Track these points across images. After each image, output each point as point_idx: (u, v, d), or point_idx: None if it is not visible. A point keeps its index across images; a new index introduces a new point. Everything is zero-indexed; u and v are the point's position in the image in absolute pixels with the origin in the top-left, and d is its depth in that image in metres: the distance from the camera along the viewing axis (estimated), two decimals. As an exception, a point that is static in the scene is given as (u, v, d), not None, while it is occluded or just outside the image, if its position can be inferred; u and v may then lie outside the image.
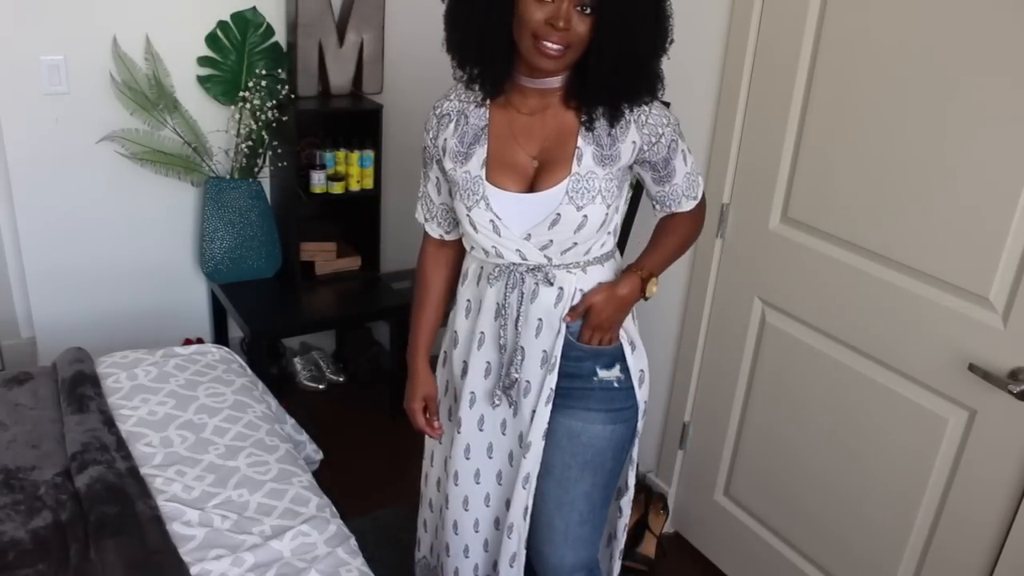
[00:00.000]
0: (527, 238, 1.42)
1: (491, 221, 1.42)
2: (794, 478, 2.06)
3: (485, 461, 1.60)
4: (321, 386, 3.13)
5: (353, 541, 1.65)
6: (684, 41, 2.11)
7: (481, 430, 1.58)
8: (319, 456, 2.28)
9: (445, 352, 1.65)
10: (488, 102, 1.43)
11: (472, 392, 1.56)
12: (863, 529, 1.91)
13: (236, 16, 2.69)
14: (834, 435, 1.93)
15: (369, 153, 2.85)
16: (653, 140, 1.41)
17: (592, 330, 1.48)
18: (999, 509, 1.62)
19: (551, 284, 1.45)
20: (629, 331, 1.54)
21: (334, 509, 1.73)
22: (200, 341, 3.03)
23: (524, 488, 1.54)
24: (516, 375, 1.50)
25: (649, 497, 2.46)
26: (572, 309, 1.47)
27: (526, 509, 1.56)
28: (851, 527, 1.93)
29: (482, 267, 1.51)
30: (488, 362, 1.54)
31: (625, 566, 2.34)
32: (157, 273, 2.91)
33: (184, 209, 2.89)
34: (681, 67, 2.14)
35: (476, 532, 1.66)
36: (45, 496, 1.63)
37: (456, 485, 1.62)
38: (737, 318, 2.13)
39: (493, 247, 1.44)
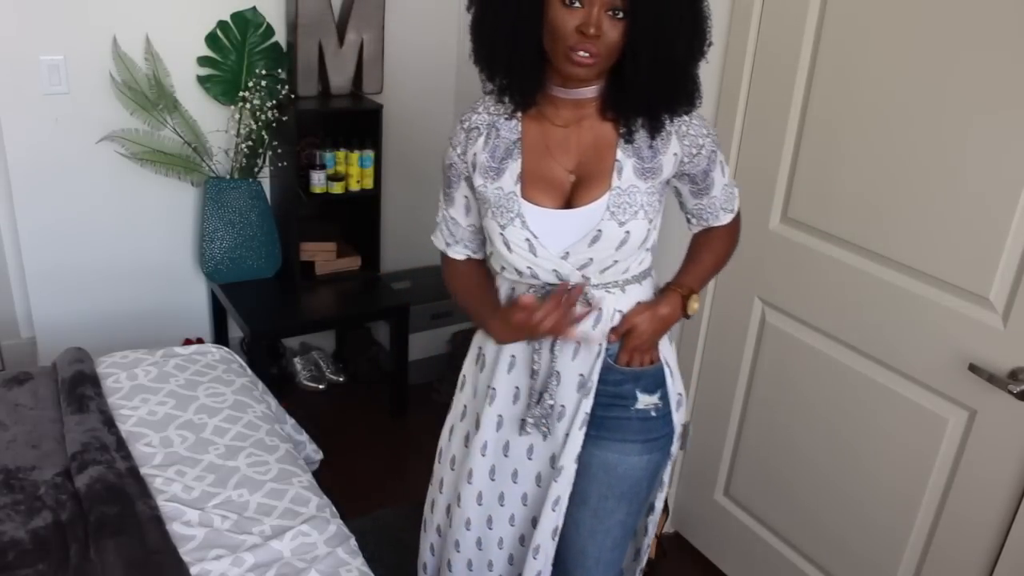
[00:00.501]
0: (564, 257, 1.35)
1: (527, 240, 1.34)
2: (794, 478, 2.06)
3: (510, 485, 1.53)
4: (321, 386, 3.13)
5: (353, 541, 1.65)
6: (684, 41, 2.12)
7: (507, 456, 1.51)
8: (319, 456, 2.28)
9: (465, 375, 1.59)
10: (520, 114, 1.36)
11: (499, 415, 1.49)
12: (863, 529, 1.91)
13: (236, 16, 2.69)
14: (834, 435, 1.93)
15: (369, 153, 2.85)
16: (694, 152, 1.37)
17: (631, 352, 1.42)
18: (999, 509, 1.62)
19: (589, 304, 1.38)
20: (666, 354, 1.49)
21: (334, 509, 1.73)
22: (200, 341, 3.03)
23: (554, 511, 1.48)
24: (551, 401, 1.43)
25: (649, 497, 2.46)
26: (613, 329, 1.41)
27: (555, 530, 1.50)
28: (851, 527, 1.93)
29: (513, 288, 1.44)
30: (517, 387, 1.47)
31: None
32: (157, 273, 2.91)
33: (184, 209, 2.89)
34: (681, 67, 2.15)
35: (500, 549, 1.60)
36: (45, 496, 1.63)
37: (480, 505, 1.55)
38: (737, 318, 2.13)
39: (528, 268, 1.36)
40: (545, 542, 1.51)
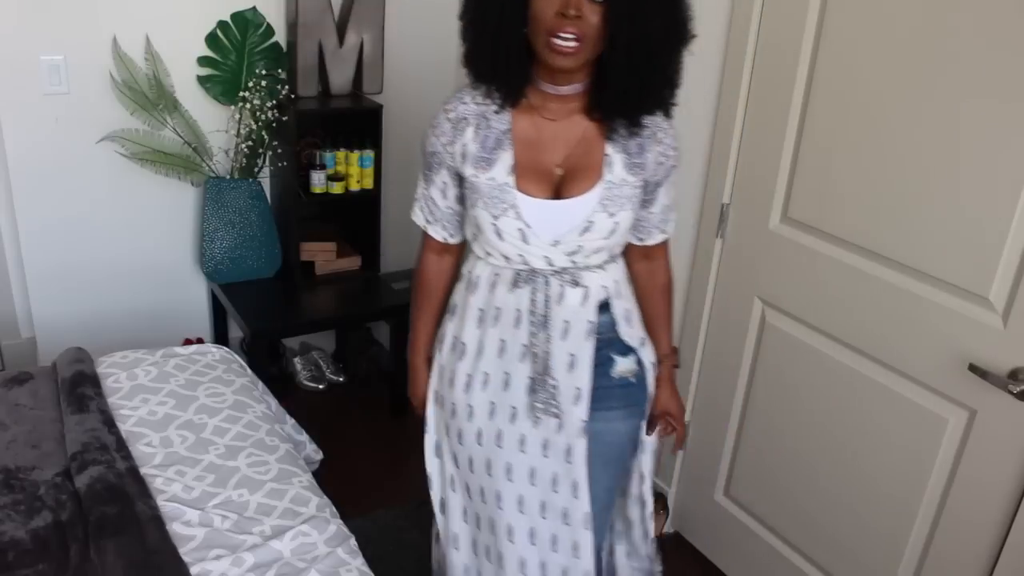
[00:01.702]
0: (555, 244, 1.39)
1: (519, 230, 1.38)
2: (794, 478, 2.06)
3: (529, 487, 1.53)
4: (321, 386, 3.13)
5: (353, 541, 1.65)
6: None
7: (523, 451, 1.51)
8: (319, 456, 2.28)
9: (443, 365, 1.58)
10: (508, 107, 1.40)
11: (506, 405, 1.49)
12: (863, 529, 1.91)
13: (236, 16, 2.69)
14: (834, 435, 1.93)
15: (369, 153, 2.85)
16: (662, 161, 1.43)
17: (679, 437, 1.63)
18: (999, 509, 1.62)
19: (577, 285, 1.43)
20: (638, 326, 1.55)
21: (334, 509, 1.73)
22: (200, 341, 3.03)
23: (577, 498, 1.50)
24: (552, 381, 1.46)
25: (649, 497, 2.46)
26: (650, 425, 1.60)
27: (587, 516, 1.52)
28: (851, 527, 1.93)
29: (498, 274, 1.46)
30: (530, 377, 1.47)
31: (625, 566, 2.34)
32: (157, 273, 2.91)
33: (184, 209, 2.88)
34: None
35: (533, 544, 1.57)
36: (45, 496, 1.63)
37: (500, 509, 1.54)
38: (737, 318, 2.13)
39: (519, 255, 1.41)
40: (581, 536, 1.53)
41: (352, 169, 2.86)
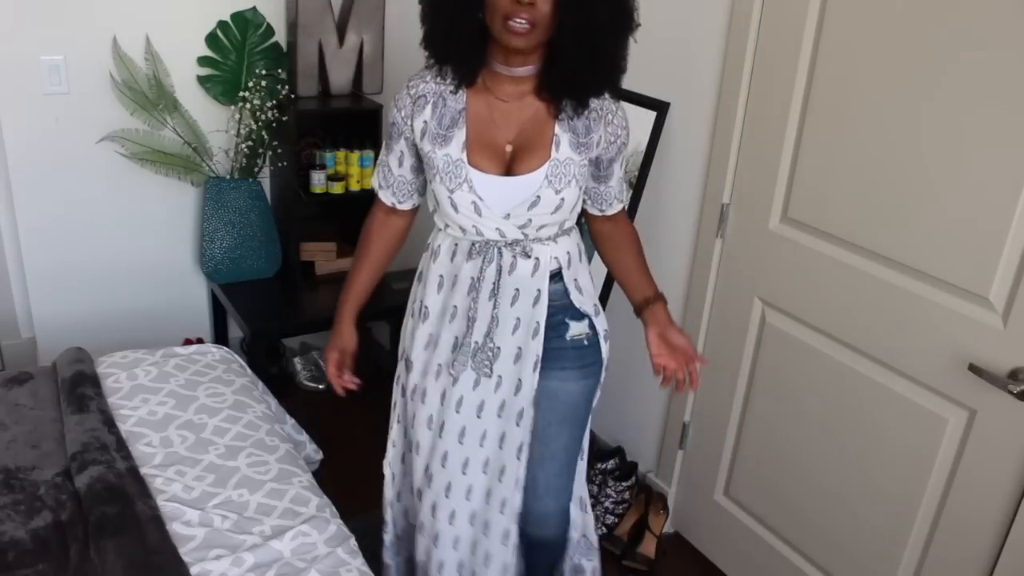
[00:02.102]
0: (506, 217, 1.49)
1: (473, 203, 1.49)
2: (794, 478, 2.06)
3: (464, 443, 1.65)
4: (321, 386, 3.13)
5: (353, 541, 1.65)
6: (684, 41, 2.13)
7: (458, 412, 1.63)
8: (319, 456, 2.28)
9: (408, 325, 1.71)
10: (464, 87, 1.49)
11: (439, 364, 1.62)
12: (863, 529, 1.91)
13: (236, 16, 2.69)
14: (834, 435, 1.93)
15: (369, 153, 2.85)
16: (612, 140, 1.53)
17: (693, 372, 1.61)
18: (999, 509, 1.62)
19: (528, 256, 1.54)
20: (591, 296, 1.65)
21: (334, 509, 1.73)
22: (200, 341, 3.03)
23: (518, 459, 1.63)
24: (491, 344, 1.57)
25: (649, 497, 2.46)
26: (662, 377, 1.62)
27: (517, 481, 1.64)
28: (851, 527, 1.93)
29: (456, 244, 1.57)
30: (456, 336, 1.60)
31: (625, 566, 2.34)
32: (157, 273, 2.91)
33: (184, 209, 2.89)
34: (681, 67, 2.15)
35: (467, 500, 1.70)
36: (45, 496, 1.63)
37: (443, 467, 1.66)
38: (737, 318, 2.13)
39: (473, 226, 1.51)
40: (509, 493, 1.66)
41: (352, 169, 2.86)
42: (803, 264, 1.93)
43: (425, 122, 1.51)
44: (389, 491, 1.88)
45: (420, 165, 1.59)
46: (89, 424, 1.80)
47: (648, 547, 2.36)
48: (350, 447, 2.76)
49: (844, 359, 1.88)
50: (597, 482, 2.49)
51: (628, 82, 2.42)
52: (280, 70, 2.80)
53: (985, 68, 1.50)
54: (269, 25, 2.74)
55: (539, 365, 1.58)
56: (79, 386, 1.93)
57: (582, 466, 1.77)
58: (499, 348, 1.57)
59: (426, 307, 1.63)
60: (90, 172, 2.67)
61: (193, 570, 1.47)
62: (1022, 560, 1.59)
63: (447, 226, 1.57)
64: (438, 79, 1.50)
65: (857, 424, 1.87)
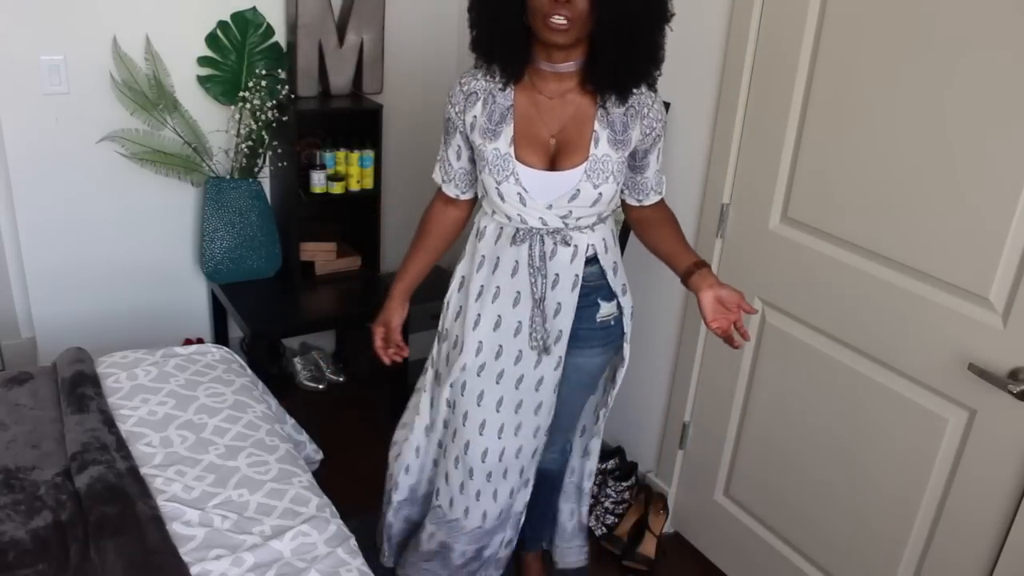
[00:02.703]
0: (549, 208, 1.62)
1: (518, 194, 1.62)
2: (794, 478, 2.06)
3: (511, 415, 1.79)
4: (321, 386, 3.13)
5: (353, 541, 1.65)
6: (684, 41, 2.13)
7: (498, 384, 1.76)
8: (319, 456, 2.28)
9: (451, 300, 1.84)
10: (512, 85, 1.60)
11: (493, 344, 1.74)
12: (863, 529, 1.91)
13: (236, 16, 2.69)
14: (834, 435, 1.93)
15: (369, 153, 2.85)
16: (647, 132, 1.62)
17: (739, 320, 1.59)
18: (999, 509, 1.62)
19: (568, 244, 1.67)
20: (622, 277, 1.79)
21: (334, 509, 1.73)
22: (200, 341, 3.03)
23: (535, 437, 1.82)
24: (547, 324, 1.71)
25: (649, 497, 2.46)
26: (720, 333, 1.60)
27: (548, 424, 1.83)
28: (851, 527, 1.93)
29: (502, 228, 1.70)
30: (520, 321, 1.72)
31: (625, 566, 2.34)
32: (157, 273, 2.91)
33: (184, 209, 2.88)
34: (681, 67, 2.15)
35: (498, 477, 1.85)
36: (45, 496, 1.63)
37: (481, 436, 1.80)
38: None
39: (518, 215, 1.64)
40: (526, 463, 1.85)
41: (352, 169, 2.86)
42: (803, 264, 1.93)
43: (475, 117, 1.63)
44: (410, 456, 1.98)
45: (475, 159, 1.70)
46: (89, 424, 1.80)
47: (648, 547, 2.36)
48: (350, 447, 2.77)
49: (844, 359, 1.88)
50: (597, 482, 2.49)
51: (628, 82, 2.41)
52: (280, 70, 2.80)
53: (985, 68, 1.50)
54: (269, 25, 2.74)
55: (566, 343, 1.73)
56: (79, 386, 1.93)
57: (600, 426, 1.99)
58: (560, 332, 1.71)
59: (479, 285, 1.74)
60: (90, 172, 2.66)
61: (193, 570, 1.47)
62: (1022, 560, 1.59)
63: (494, 212, 1.69)
64: (487, 77, 1.62)
65: (857, 424, 1.87)
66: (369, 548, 2.06)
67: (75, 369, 2.00)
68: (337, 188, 2.84)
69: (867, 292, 1.79)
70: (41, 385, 2.00)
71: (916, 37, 1.60)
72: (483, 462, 1.81)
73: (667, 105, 2.21)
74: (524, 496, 1.93)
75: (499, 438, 1.79)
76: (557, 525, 2.15)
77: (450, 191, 1.78)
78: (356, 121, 2.86)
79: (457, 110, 1.66)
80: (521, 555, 2.19)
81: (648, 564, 2.34)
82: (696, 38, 2.09)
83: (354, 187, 2.88)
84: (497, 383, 1.76)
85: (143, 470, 1.71)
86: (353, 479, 2.59)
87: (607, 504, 2.46)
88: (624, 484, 2.46)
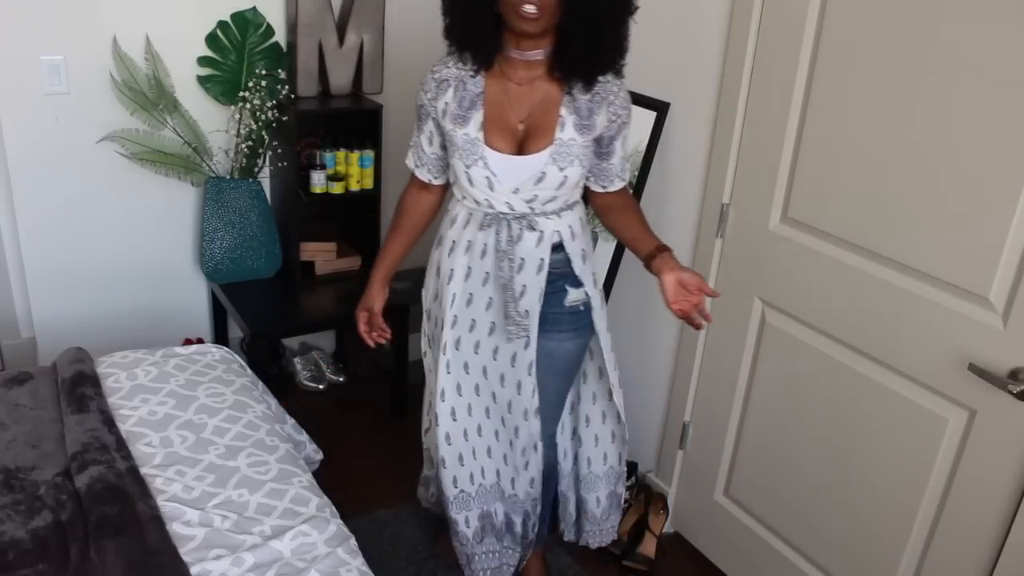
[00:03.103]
0: (515, 192, 1.68)
1: (487, 178, 1.68)
2: (794, 478, 2.06)
3: (481, 379, 1.87)
4: (321, 386, 3.13)
5: (353, 541, 1.65)
6: (684, 41, 2.13)
7: (477, 353, 1.84)
8: (319, 456, 2.28)
9: (431, 284, 1.91)
10: (483, 72, 1.67)
11: (467, 319, 1.81)
12: (863, 529, 1.91)
13: (236, 16, 2.69)
14: (834, 435, 1.93)
15: (369, 153, 2.85)
16: (613, 119, 1.69)
17: (700, 304, 1.64)
18: (999, 509, 1.62)
19: (533, 229, 1.72)
20: (591, 266, 1.83)
21: (334, 509, 1.73)
22: (200, 341, 3.03)
23: (533, 397, 1.83)
24: (516, 307, 1.76)
25: (649, 497, 2.46)
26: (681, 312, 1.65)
27: (536, 410, 1.85)
28: (851, 527, 1.93)
29: (471, 214, 1.76)
30: (490, 297, 1.79)
31: (625, 566, 2.34)
32: (157, 273, 2.91)
33: (184, 209, 2.89)
34: (681, 67, 2.15)
35: (477, 438, 1.92)
36: (45, 496, 1.63)
37: (460, 396, 1.87)
38: (737, 318, 2.13)
39: (486, 199, 1.70)
40: (532, 421, 1.87)
41: (352, 169, 2.86)
42: (803, 264, 1.93)
43: (447, 103, 1.70)
44: (444, 448, 1.93)
45: (446, 144, 1.76)
46: (89, 424, 1.80)
47: (648, 547, 2.36)
48: (350, 447, 2.77)
49: (844, 359, 1.88)
50: (597, 482, 2.49)
51: (628, 82, 2.43)
52: (280, 70, 2.80)
53: (985, 68, 1.50)
54: (269, 25, 2.74)
55: (537, 324, 1.78)
56: (79, 386, 1.93)
57: (620, 404, 1.97)
58: (527, 311, 1.76)
59: (451, 269, 1.81)
60: (90, 172, 2.66)
61: (193, 570, 1.47)
62: (1022, 561, 1.59)
63: (463, 197, 1.76)
64: (459, 65, 1.69)
65: (857, 424, 1.87)
66: (369, 548, 2.06)
67: (75, 369, 2.00)
68: (337, 188, 2.84)
69: (867, 292, 1.79)
70: (41, 385, 2.00)
71: (916, 37, 1.60)
72: (455, 421, 1.88)
73: (667, 105, 2.21)
74: (525, 479, 1.95)
75: (477, 396, 1.88)
76: (587, 514, 2.13)
77: (423, 176, 1.85)
78: (356, 121, 2.86)
79: (429, 97, 1.72)
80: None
81: (648, 564, 2.34)
82: (696, 38, 2.09)
83: (354, 187, 2.88)
84: (475, 353, 1.84)
85: (143, 470, 1.71)
86: (353, 479, 2.59)
87: (607, 504, 2.46)
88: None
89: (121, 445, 1.76)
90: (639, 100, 2.26)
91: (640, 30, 2.27)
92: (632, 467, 2.53)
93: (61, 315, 2.78)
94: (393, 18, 2.89)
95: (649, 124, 2.24)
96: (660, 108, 2.21)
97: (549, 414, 1.94)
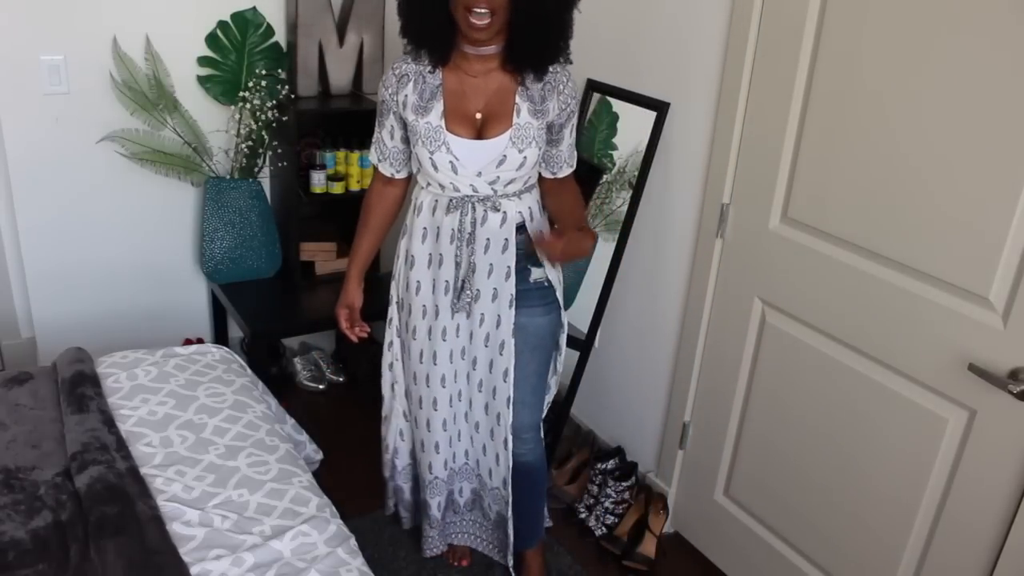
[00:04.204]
0: (478, 175, 1.77)
1: (450, 162, 1.76)
2: (794, 478, 2.06)
3: (448, 366, 1.95)
4: (321, 386, 3.13)
5: (353, 541, 1.65)
6: (684, 41, 2.13)
7: (444, 340, 1.92)
8: (319, 456, 2.28)
9: (400, 273, 1.97)
10: (440, 67, 1.76)
11: (432, 305, 1.90)
12: (863, 529, 1.91)
13: (236, 16, 2.69)
14: (834, 435, 1.93)
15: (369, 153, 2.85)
16: (563, 107, 1.80)
17: (563, 243, 1.78)
18: (999, 509, 1.62)
19: (497, 211, 1.81)
20: (551, 268, 1.94)
21: (334, 509, 1.73)
22: (200, 341, 3.03)
23: (505, 381, 1.93)
24: (471, 287, 1.85)
25: (649, 497, 2.46)
26: (540, 238, 1.84)
27: (509, 399, 1.94)
28: (851, 527, 1.93)
29: (436, 200, 1.84)
30: (447, 280, 1.87)
31: (625, 566, 2.34)
32: (157, 273, 2.91)
33: (184, 209, 2.89)
34: (681, 67, 2.15)
35: (453, 424, 2.03)
36: (45, 496, 1.63)
37: (428, 387, 1.98)
38: (737, 318, 2.13)
39: (451, 183, 1.78)
40: (503, 409, 1.96)
41: (352, 169, 2.86)
42: (803, 264, 1.93)
43: (407, 96, 1.77)
44: (398, 421, 2.13)
45: (408, 136, 1.83)
46: (89, 424, 1.80)
47: (648, 547, 2.36)
48: (350, 447, 2.77)
49: (844, 359, 1.88)
50: (597, 482, 2.49)
51: (628, 82, 2.43)
52: (280, 70, 2.80)
53: (986, 69, 1.50)
54: (269, 25, 2.74)
55: (514, 303, 1.86)
56: (79, 386, 1.93)
57: (555, 380, 2.10)
58: (479, 290, 1.86)
59: (412, 256, 1.90)
60: (90, 172, 2.67)
61: (193, 570, 1.47)
62: (1022, 561, 1.59)
63: (428, 184, 1.83)
64: (417, 61, 1.77)
65: (857, 424, 1.87)
66: (369, 548, 2.06)
67: (75, 369, 2.00)
68: (337, 188, 2.84)
69: (867, 292, 1.79)
70: (41, 385, 2.00)
71: (916, 37, 1.60)
72: (435, 410, 1.99)
73: (667, 105, 2.21)
74: (492, 450, 2.03)
75: (443, 387, 1.96)
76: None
77: (386, 170, 1.91)
78: (356, 121, 2.86)
79: (390, 92, 1.80)
80: (521, 553, 2.19)
81: (648, 564, 2.34)
82: (696, 38, 2.09)
83: (354, 187, 2.88)
84: (443, 340, 1.92)
85: (143, 470, 1.71)
86: (353, 479, 2.59)
87: (607, 504, 2.46)
88: (624, 484, 2.46)
89: (121, 445, 1.76)
90: (639, 100, 2.26)
91: (640, 30, 2.28)
92: (632, 467, 2.53)
93: (61, 315, 2.78)
94: (393, 18, 2.86)
95: (649, 124, 2.24)
96: (660, 108, 2.21)
97: (531, 400, 1.99)
